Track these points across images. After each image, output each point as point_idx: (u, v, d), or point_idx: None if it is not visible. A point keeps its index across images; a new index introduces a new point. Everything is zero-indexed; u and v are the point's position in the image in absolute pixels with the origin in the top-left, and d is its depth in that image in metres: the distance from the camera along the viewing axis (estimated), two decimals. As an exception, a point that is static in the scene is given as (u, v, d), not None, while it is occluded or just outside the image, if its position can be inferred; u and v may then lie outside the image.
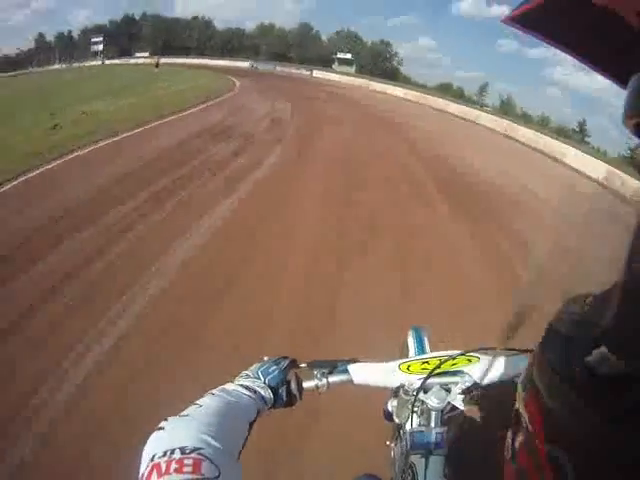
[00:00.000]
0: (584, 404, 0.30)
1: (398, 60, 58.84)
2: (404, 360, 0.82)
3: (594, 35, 0.44)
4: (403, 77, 54.18)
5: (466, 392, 0.85)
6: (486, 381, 0.83)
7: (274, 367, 0.76)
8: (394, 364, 0.82)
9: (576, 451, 0.30)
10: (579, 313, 0.35)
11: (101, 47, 57.53)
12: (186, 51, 58.78)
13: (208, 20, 67.12)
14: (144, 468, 0.45)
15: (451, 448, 0.84)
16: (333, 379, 0.80)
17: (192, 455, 0.45)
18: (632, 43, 0.41)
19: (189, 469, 0.43)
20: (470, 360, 0.80)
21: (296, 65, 47.79)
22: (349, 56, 54.76)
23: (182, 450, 0.45)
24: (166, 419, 0.54)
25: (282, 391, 0.74)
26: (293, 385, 0.76)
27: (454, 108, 24.25)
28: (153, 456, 0.45)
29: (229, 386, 0.70)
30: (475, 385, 0.84)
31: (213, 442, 0.49)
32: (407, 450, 0.88)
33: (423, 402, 0.86)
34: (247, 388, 0.69)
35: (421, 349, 1.22)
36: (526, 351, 0.79)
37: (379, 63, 54.84)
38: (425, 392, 0.84)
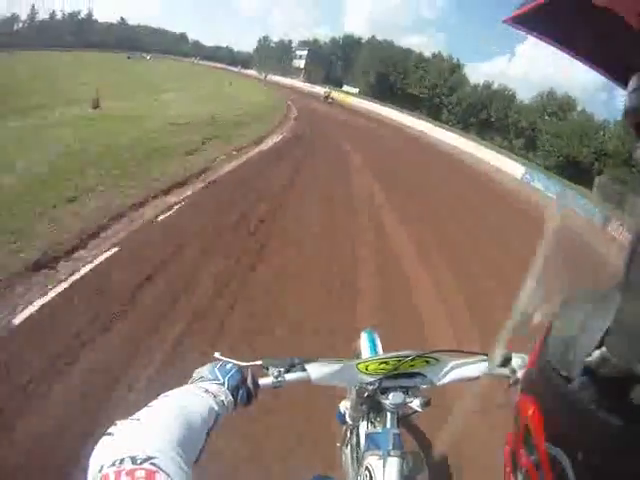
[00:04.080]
0: (584, 404, 0.30)
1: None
2: (362, 360, 0.81)
3: (594, 35, 0.44)
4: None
5: (422, 394, 0.84)
6: (442, 383, 0.82)
7: (229, 365, 0.72)
8: (352, 363, 0.80)
9: (576, 451, 0.30)
10: (579, 314, 0.35)
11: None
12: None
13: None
14: (91, 479, 0.41)
15: (407, 449, 0.83)
16: (290, 377, 0.78)
17: (144, 466, 0.41)
18: (632, 43, 0.41)
19: None
20: (428, 362, 0.79)
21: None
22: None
23: (133, 459, 0.41)
24: (115, 423, 0.49)
25: (242, 391, 0.70)
26: (250, 384, 0.73)
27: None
28: (101, 466, 0.41)
29: (185, 389, 0.64)
30: (432, 386, 0.83)
31: (167, 450, 0.45)
32: (363, 452, 0.87)
33: (379, 403, 0.85)
34: (205, 391, 0.64)
35: (374, 351, 1.21)
36: (480, 354, 0.80)
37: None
38: (382, 393, 0.83)
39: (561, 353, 0.33)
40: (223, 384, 0.68)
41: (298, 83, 44.88)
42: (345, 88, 44.52)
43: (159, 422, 0.50)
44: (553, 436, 0.33)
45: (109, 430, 0.48)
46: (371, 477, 0.78)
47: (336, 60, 54.01)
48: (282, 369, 0.78)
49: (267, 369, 0.78)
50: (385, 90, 42.86)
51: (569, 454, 0.31)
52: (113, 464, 0.40)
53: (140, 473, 0.39)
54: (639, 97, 0.34)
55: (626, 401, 0.28)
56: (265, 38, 69.33)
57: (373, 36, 50.80)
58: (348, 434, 1.18)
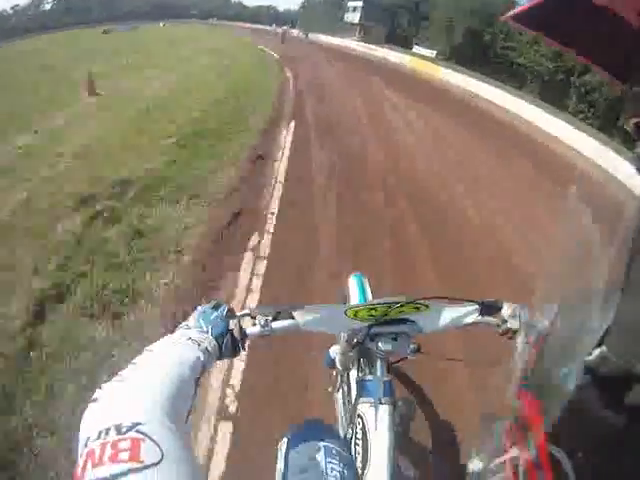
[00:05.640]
0: (584, 404, 0.30)
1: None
2: (351, 305, 0.79)
3: (594, 35, 0.44)
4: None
5: (413, 340, 0.84)
6: (431, 330, 0.81)
7: (215, 314, 0.70)
8: (341, 309, 0.79)
9: (576, 451, 0.30)
10: (579, 314, 0.35)
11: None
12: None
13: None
14: (78, 455, 0.38)
15: (398, 397, 0.83)
16: (277, 325, 0.76)
17: (129, 434, 0.38)
18: (632, 43, 0.41)
19: (125, 455, 0.36)
20: (418, 308, 0.78)
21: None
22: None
23: (118, 429, 0.38)
24: (100, 387, 0.46)
25: (227, 340, 0.68)
26: (236, 333, 0.71)
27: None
28: (87, 439, 0.38)
29: (170, 339, 0.62)
30: (421, 333, 0.82)
31: (155, 412, 0.42)
32: (355, 399, 0.86)
33: (369, 350, 0.84)
34: (189, 339, 0.62)
35: (363, 297, 1.20)
36: (473, 302, 0.79)
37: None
38: (372, 340, 0.82)
39: (561, 353, 0.33)
40: (207, 332, 0.66)
41: (350, 43, 31.69)
42: (417, 50, 30.18)
43: (146, 381, 0.47)
44: (553, 435, 0.33)
45: (94, 395, 0.45)
46: (363, 424, 0.78)
47: (402, 12, 38.50)
48: (269, 317, 0.76)
49: (254, 318, 0.76)
50: (476, 54, 28.30)
51: (569, 453, 0.31)
52: (98, 436, 0.38)
53: (124, 444, 0.37)
54: (639, 97, 0.34)
55: (626, 400, 0.28)
56: None
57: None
58: (339, 379, 1.17)
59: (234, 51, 17.43)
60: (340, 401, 1.18)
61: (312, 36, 35.54)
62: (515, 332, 0.76)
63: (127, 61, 13.71)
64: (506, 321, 0.78)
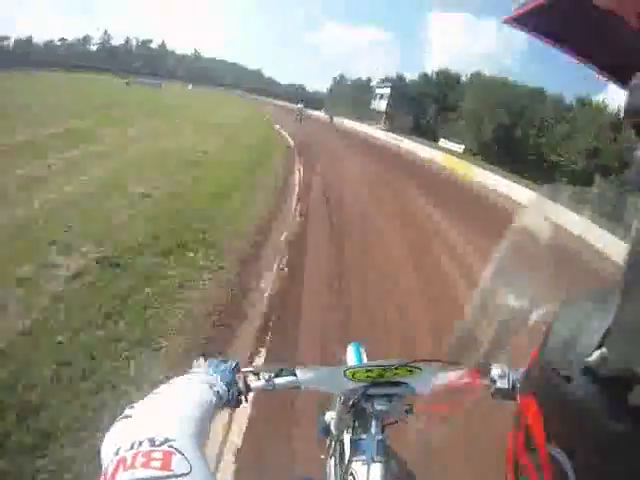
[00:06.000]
0: (584, 404, 0.30)
1: None
2: (350, 366, 0.84)
3: (594, 35, 0.44)
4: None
5: (405, 402, 0.87)
6: (424, 391, 0.85)
7: (224, 367, 0.74)
8: (340, 369, 0.83)
9: (576, 451, 0.30)
10: (579, 314, 0.35)
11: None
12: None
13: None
14: (108, 462, 0.40)
15: (390, 456, 0.86)
16: (280, 381, 0.80)
17: (162, 448, 0.40)
18: (632, 43, 0.41)
19: (157, 464, 0.38)
20: (411, 371, 0.82)
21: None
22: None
23: (151, 441, 0.41)
24: (132, 406, 0.49)
25: (233, 391, 0.72)
26: (241, 385, 0.75)
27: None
28: (118, 449, 0.41)
29: (187, 377, 0.66)
30: (414, 394, 0.86)
31: (185, 432, 0.44)
32: (348, 458, 0.89)
33: (364, 410, 0.87)
34: (204, 382, 0.65)
35: (359, 362, 1.24)
36: (463, 365, 0.82)
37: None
38: (367, 401, 0.85)
39: (561, 353, 0.33)
40: (218, 380, 0.69)
41: (375, 131, 30.23)
42: (443, 143, 29.19)
43: (174, 405, 0.50)
44: (553, 436, 0.33)
45: (126, 412, 0.47)
46: None
47: (427, 103, 37.72)
48: (272, 373, 0.80)
49: (258, 374, 0.80)
50: (507, 150, 25.94)
51: (569, 455, 0.31)
52: (131, 447, 0.40)
53: (157, 454, 0.39)
54: (639, 97, 0.34)
55: (626, 401, 0.28)
56: (341, 76, 59.29)
57: (478, 72, 34.08)
58: (333, 444, 1.20)
59: (242, 128, 14.95)
60: (333, 466, 1.21)
61: (337, 120, 34.22)
62: (505, 392, 0.80)
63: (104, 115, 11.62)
64: (495, 381, 0.83)
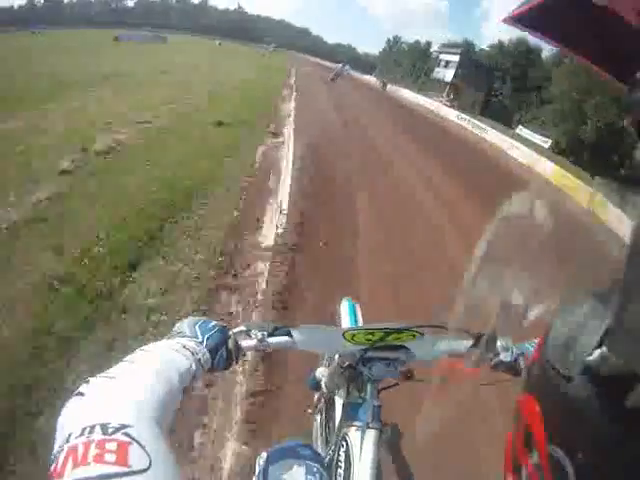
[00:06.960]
0: (584, 404, 0.30)
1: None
2: (349, 328, 0.79)
3: (594, 34, 0.44)
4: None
5: (404, 367, 0.84)
6: (425, 358, 0.82)
7: (212, 324, 0.68)
8: (339, 331, 0.79)
9: (576, 451, 0.30)
10: (579, 313, 0.35)
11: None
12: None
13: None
14: (57, 449, 0.36)
15: (385, 423, 0.82)
16: (274, 340, 0.74)
17: (116, 436, 0.36)
18: (632, 43, 0.41)
19: (112, 458, 0.34)
20: (414, 336, 0.78)
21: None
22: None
23: (104, 428, 0.36)
24: (87, 380, 0.44)
25: (222, 352, 0.66)
26: (231, 345, 0.69)
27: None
28: (69, 435, 0.36)
29: (165, 343, 0.60)
30: (414, 360, 0.83)
31: (144, 415, 0.40)
32: (340, 421, 0.86)
33: (360, 373, 0.84)
34: (183, 347, 0.59)
35: (354, 320, 1.21)
36: (467, 333, 0.79)
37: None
38: (364, 364, 0.82)
39: (561, 353, 0.33)
40: (202, 342, 0.64)
41: (438, 107, 23.47)
42: (522, 132, 22.09)
43: (136, 381, 0.45)
44: (553, 436, 0.33)
45: (80, 389, 0.43)
46: (348, 448, 0.77)
47: (505, 79, 29.26)
48: (266, 332, 0.75)
49: (249, 332, 0.75)
50: (612, 152, 19.22)
51: (569, 455, 0.31)
52: (82, 433, 0.36)
53: (111, 445, 0.35)
54: (639, 96, 0.34)
55: (626, 401, 0.28)
56: (396, 39, 51.82)
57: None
58: (322, 402, 1.17)
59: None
60: (319, 423, 1.18)
61: (391, 87, 27.68)
62: (507, 365, 0.78)
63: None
64: (499, 354, 0.80)
